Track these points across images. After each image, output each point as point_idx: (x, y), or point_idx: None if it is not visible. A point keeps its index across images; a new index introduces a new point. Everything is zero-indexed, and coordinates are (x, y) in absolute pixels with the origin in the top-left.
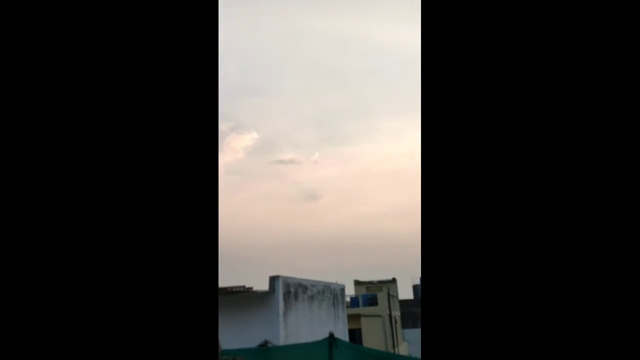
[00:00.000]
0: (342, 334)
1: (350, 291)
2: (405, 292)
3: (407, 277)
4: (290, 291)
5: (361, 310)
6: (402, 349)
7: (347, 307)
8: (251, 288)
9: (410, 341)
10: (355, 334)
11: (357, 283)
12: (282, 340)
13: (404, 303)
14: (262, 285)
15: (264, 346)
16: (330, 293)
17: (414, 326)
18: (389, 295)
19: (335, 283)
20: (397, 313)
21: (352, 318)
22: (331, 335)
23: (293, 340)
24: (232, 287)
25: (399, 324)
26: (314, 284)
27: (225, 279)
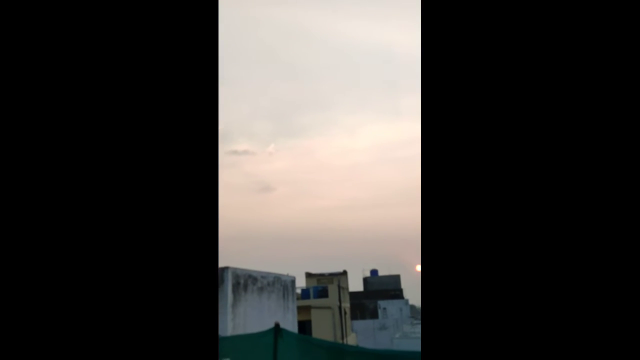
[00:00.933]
0: (292, 325)
1: (301, 283)
2: (356, 284)
3: (358, 270)
4: (239, 282)
5: (312, 301)
6: (351, 340)
7: (298, 298)
8: None
9: (359, 332)
10: (305, 325)
11: (309, 275)
12: (229, 332)
13: (354, 295)
14: None
15: None
16: (280, 285)
17: (363, 317)
18: (339, 287)
19: (287, 275)
20: (347, 305)
21: (303, 309)
22: (277, 325)
23: (241, 331)
24: None
25: (348, 315)
26: (264, 275)
27: None
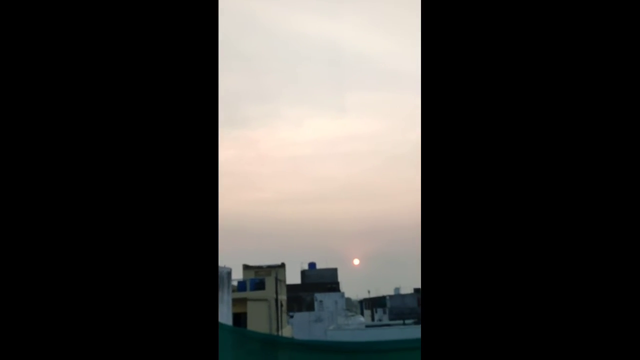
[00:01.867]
0: (226, 318)
1: (239, 275)
2: (294, 277)
3: (297, 263)
4: None
5: (248, 294)
6: (286, 332)
7: (235, 290)
8: None
9: (295, 324)
10: (240, 318)
11: (246, 267)
12: None
13: (291, 287)
14: None
15: None
16: None
17: (300, 310)
18: (276, 279)
19: (223, 266)
20: (283, 297)
21: (239, 302)
22: None
23: None
24: None
25: (284, 308)
26: None
27: None
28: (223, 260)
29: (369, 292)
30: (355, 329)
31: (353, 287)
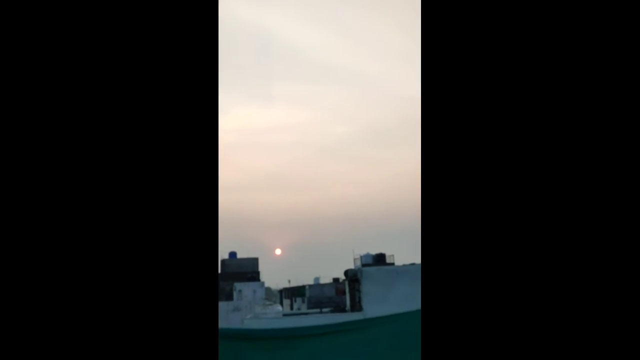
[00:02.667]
0: None
1: None
2: None
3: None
4: None
5: None
6: None
7: None
8: None
9: None
10: None
11: None
12: None
13: None
14: None
15: None
16: None
17: (220, 299)
18: None
19: None
20: None
21: None
22: None
23: None
24: None
25: None
26: None
27: None
28: None
29: (289, 281)
30: (272, 318)
31: (274, 277)
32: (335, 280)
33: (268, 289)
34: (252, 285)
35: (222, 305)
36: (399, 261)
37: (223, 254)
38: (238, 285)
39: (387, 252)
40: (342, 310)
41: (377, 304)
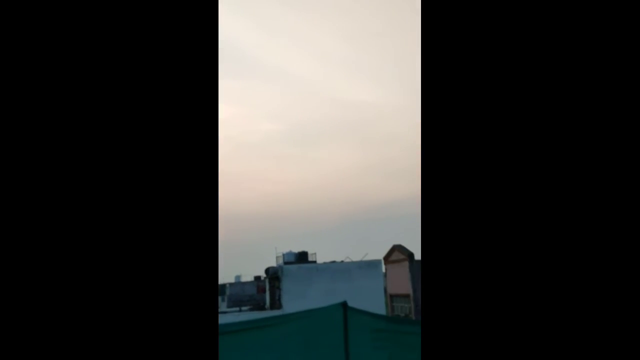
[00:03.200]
0: None
1: None
2: None
3: None
4: None
5: None
6: None
7: None
8: None
9: None
10: None
11: None
12: None
13: None
14: None
15: None
16: None
17: None
18: None
19: None
20: None
21: None
22: None
23: None
24: None
25: None
26: None
27: None
28: None
29: None
30: None
31: None
32: (257, 278)
33: None
34: None
35: None
36: (320, 259)
37: None
38: None
39: (310, 250)
40: (262, 308)
41: (297, 301)
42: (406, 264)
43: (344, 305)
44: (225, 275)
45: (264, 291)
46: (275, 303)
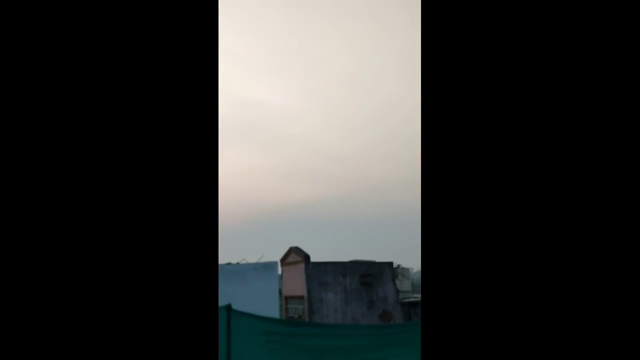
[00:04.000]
0: None
1: None
2: None
3: None
4: None
5: None
6: None
7: None
8: None
9: None
10: None
11: None
12: None
13: None
14: None
15: None
16: None
17: None
18: None
19: None
20: None
21: None
22: None
23: None
24: None
25: None
26: None
27: None
28: None
29: None
30: None
31: None
32: None
33: None
34: None
35: None
36: (222, 260)
37: None
38: None
39: None
40: None
41: None
42: (302, 265)
43: (227, 308)
44: None
45: None
46: None
